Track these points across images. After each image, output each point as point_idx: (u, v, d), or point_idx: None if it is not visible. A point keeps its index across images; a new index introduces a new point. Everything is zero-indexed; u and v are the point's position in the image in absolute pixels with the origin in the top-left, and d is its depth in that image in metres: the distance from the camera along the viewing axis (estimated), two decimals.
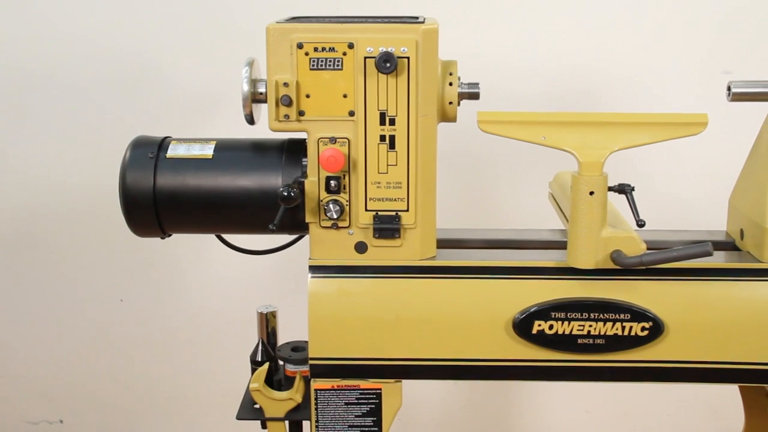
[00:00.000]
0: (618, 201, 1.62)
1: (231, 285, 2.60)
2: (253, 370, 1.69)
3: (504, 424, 2.75)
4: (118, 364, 2.70)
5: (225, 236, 1.72)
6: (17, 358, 2.70)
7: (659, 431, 2.71)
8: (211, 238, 1.72)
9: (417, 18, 1.52)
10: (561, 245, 1.58)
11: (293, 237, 1.71)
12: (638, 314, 1.49)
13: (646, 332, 1.50)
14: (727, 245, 1.66)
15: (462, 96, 1.54)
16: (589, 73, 2.44)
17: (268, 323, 1.78)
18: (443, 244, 1.63)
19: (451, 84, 1.52)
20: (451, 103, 1.52)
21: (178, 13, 2.43)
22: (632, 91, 2.42)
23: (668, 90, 2.41)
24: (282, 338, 1.82)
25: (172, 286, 2.64)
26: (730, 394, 1.84)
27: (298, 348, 1.75)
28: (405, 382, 1.59)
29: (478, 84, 1.55)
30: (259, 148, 1.58)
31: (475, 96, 1.55)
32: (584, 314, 1.50)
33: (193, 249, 2.57)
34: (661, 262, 1.45)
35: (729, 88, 1.54)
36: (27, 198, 2.58)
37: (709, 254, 1.42)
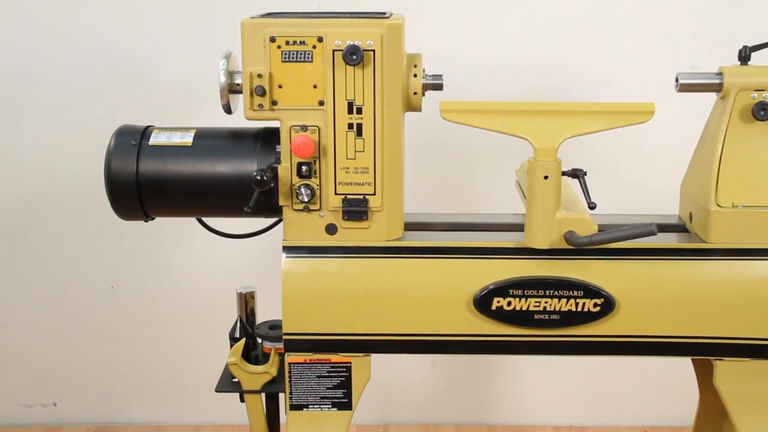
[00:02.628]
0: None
1: (216, 269, 2.66)
2: (232, 346, 1.78)
3: (481, 408, 2.83)
4: (109, 349, 2.76)
5: (208, 221, 1.80)
6: (12, 344, 2.76)
7: (632, 414, 2.80)
8: (197, 225, 1.81)
9: (384, 13, 1.60)
10: (521, 228, 1.65)
11: (272, 221, 1.80)
12: (591, 291, 1.58)
13: (598, 308, 1.58)
14: (678, 228, 1.75)
15: (426, 87, 1.62)
16: (562, 71, 2.50)
17: (246, 303, 1.87)
18: (411, 227, 1.72)
19: (415, 75, 1.60)
20: (415, 93, 1.60)
21: (163, 12, 2.50)
22: (603, 87, 2.49)
23: (636, 85, 2.47)
24: (262, 317, 1.91)
25: (160, 273, 2.70)
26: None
27: (275, 326, 1.83)
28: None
29: (441, 76, 1.63)
30: (236, 136, 1.67)
31: (438, 87, 1.63)
32: (540, 291, 1.59)
33: (180, 236, 2.64)
34: (609, 242, 1.54)
35: (677, 80, 1.63)
36: (19, 187, 2.63)
37: (653, 234, 1.51)
